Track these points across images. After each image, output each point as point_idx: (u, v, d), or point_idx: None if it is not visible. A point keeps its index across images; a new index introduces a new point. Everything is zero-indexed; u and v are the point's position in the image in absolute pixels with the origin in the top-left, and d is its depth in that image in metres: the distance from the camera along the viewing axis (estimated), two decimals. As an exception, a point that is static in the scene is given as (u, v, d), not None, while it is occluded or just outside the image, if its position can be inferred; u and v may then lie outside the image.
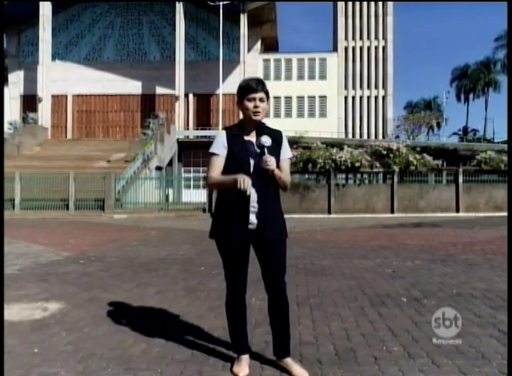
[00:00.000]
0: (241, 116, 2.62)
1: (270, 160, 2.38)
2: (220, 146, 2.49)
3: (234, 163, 2.47)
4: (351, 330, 3.33)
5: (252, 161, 2.47)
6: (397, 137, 39.28)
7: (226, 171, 2.48)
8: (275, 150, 2.50)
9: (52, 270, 5.98)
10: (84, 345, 3.04)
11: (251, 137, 2.53)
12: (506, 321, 3.48)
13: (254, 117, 2.48)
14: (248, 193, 2.39)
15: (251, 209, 2.47)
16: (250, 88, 2.46)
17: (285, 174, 2.54)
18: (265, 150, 2.41)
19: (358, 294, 4.45)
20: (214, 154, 2.51)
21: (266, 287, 2.62)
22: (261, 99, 2.47)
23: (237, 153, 2.48)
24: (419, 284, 4.86)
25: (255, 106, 2.46)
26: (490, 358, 2.78)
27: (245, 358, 2.64)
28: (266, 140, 2.42)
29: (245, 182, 2.30)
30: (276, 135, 2.56)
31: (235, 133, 2.53)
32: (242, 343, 2.68)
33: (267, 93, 2.51)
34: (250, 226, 2.48)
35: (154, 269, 5.98)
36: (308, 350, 2.94)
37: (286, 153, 2.60)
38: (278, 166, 2.49)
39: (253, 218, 2.48)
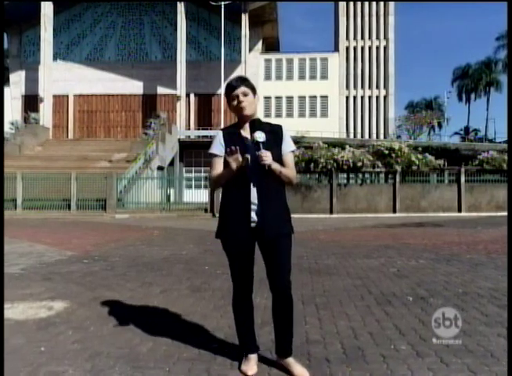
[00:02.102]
0: None
1: (265, 156, 2.34)
2: (218, 146, 2.50)
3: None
4: (359, 329, 3.32)
5: (249, 157, 2.41)
6: (398, 137, 39.29)
7: (225, 169, 2.48)
8: (276, 144, 2.47)
9: (56, 269, 5.97)
10: (90, 344, 3.03)
11: (247, 133, 2.49)
12: (513, 320, 3.47)
13: (241, 113, 2.46)
14: (244, 163, 2.36)
15: (252, 207, 2.43)
16: (230, 86, 2.46)
17: (289, 168, 2.50)
18: (260, 145, 2.36)
19: (363, 293, 4.44)
20: (212, 155, 2.52)
21: (270, 285, 2.57)
22: (243, 94, 2.44)
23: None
24: (424, 283, 4.85)
25: (238, 102, 2.44)
26: (499, 357, 2.77)
27: (253, 357, 2.62)
28: (260, 135, 2.37)
29: (236, 159, 2.34)
30: (276, 130, 2.53)
31: (231, 131, 2.54)
32: (250, 342, 2.65)
33: (251, 86, 2.48)
34: (252, 224, 2.44)
35: (158, 269, 5.97)
36: (316, 349, 2.93)
37: (289, 146, 2.55)
38: (280, 161, 2.46)
39: (254, 216, 2.44)
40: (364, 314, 3.71)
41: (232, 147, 2.34)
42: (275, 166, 2.40)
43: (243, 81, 2.48)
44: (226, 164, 2.45)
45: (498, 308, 3.84)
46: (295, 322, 3.42)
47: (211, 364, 2.67)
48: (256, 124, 2.45)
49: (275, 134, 2.49)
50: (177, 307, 3.99)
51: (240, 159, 2.35)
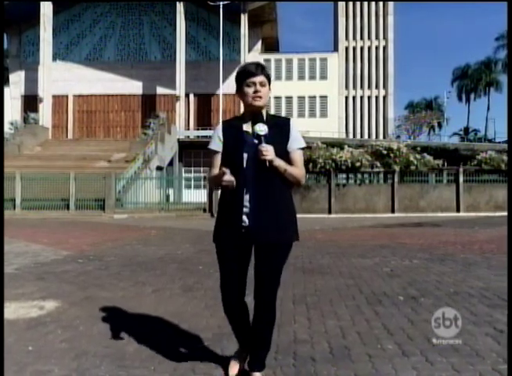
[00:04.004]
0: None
1: (266, 150, 2.12)
2: (216, 141, 2.32)
3: (227, 156, 2.28)
4: (347, 329, 3.33)
5: (246, 154, 2.23)
6: (398, 137, 39.29)
7: (223, 165, 2.28)
8: (281, 140, 2.25)
9: (50, 269, 5.98)
10: (78, 343, 3.04)
11: (250, 127, 2.27)
12: (502, 319, 3.47)
13: (254, 103, 2.23)
14: (233, 184, 2.18)
15: (244, 209, 2.24)
16: (249, 72, 2.23)
17: (297, 167, 2.27)
18: (262, 138, 2.15)
19: (355, 293, 4.45)
20: (211, 151, 2.34)
21: (255, 293, 2.38)
22: (261, 84, 2.23)
23: (229, 145, 2.28)
24: (416, 283, 4.86)
25: (255, 91, 2.22)
26: (484, 356, 2.77)
27: (240, 355, 2.56)
28: (260, 128, 2.17)
29: (224, 177, 2.14)
30: (282, 124, 2.31)
31: (232, 124, 2.33)
32: (244, 340, 2.51)
33: (268, 77, 2.27)
34: (243, 229, 2.26)
35: (152, 268, 5.99)
36: (303, 348, 2.93)
37: (297, 143, 2.30)
38: (286, 159, 2.24)
39: (245, 219, 2.24)
40: (353, 314, 3.72)
41: (224, 170, 2.16)
42: (279, 163, 2.18)
43: (262, 68, 2.25)
44: (225, 160, 2.29)
45: (487, 307, 3.85)
46: (284, 322, 3.47)
47: (197, 364, 2.68)
48: (259, 117, 2.24)
49: (280, 128, 2.27)
50: (168, 306, 4.00)
51: (231, 180, 2.16)
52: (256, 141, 2.19)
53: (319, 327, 3.39)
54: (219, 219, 2.36)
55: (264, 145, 2.14)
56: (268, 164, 2.15)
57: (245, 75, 2.24)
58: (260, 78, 2.23)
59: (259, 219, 2.23)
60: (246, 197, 2.24)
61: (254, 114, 2.26)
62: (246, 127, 2.29)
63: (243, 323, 2.48)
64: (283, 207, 2.29)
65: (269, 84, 2.30)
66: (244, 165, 2.23)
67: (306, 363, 2.67)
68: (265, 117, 2.28)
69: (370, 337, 3.14)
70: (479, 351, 2.85)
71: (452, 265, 5.96)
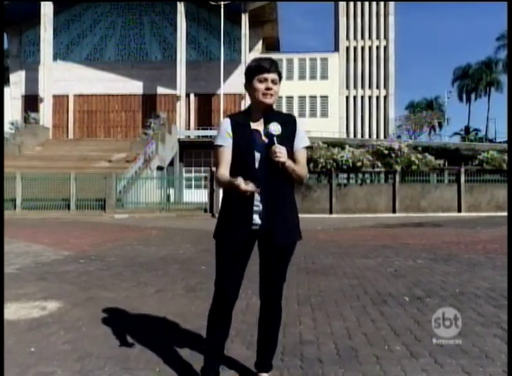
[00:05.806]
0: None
1: (280, 152, 2.09)
2: (224, 136, 2.23)
3: (238, 155, 2.21)
4: (353, 330, 3.29)
5: (258, 154, 2.19)
6: (398, 137, 39.24)
7: (232, 164, 2.23)
8: (288, 138, 2.21)
9: (51, 269, 5.94)
10: (81, 345, 3.00)
11: (259, 125, 2.23)
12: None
13: (264, 100, 2.19)
14: (255, 191, 2.09)
15: (254, 208, 2.19)
16: (262, 67, 2.19)
17: (301, 166, 2.24)
18: (274, 139, 2.11)
19: (359, 294, 4.40)
20: (218, 146, 2.24)
21: (261, 293, 2.39)
22: (273, 81, 2.20)
23: (240, 144, 2.20)
24: (421, 283, 4.82)
25: (267, 88, 2.18)
26: (494, 357, 2.74)
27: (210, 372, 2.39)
28: (274, 128, 2.13)
29: (242, 186, 2.04)
30: (288, 121, 2.26)
31: (240, 121, 2.26)
32: (214, 365, 2.41)
33: (280, 75, 2.25)
34: (253, 227, 2.21)
35: (154, 269, 5.94)
36: (309, 349, 2.89)
37: (302, 141, 2.29)
38: (292, 157, 2.20)
39: (256, 219, 2.20)
40: (359, 314, 3.68)
41: (238, 180, 2.05)
42: (289, 164, 2.15)
43: (276, 66, 2.22)
44: (234, 158, 2.22)
45: (494, 308, 3.80)
46: (289, 323, 3.43)
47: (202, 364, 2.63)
48: (271, 115, 2.22)
49: (287, 127, 2.21)
50: (171, 307, 3.97)
51: (254, 189, 2.06)
52: (266, 140, 2.16)
53: (325, 327, 3.35)
54: (225, 217, 2.28)
55: (278, 146, 2.11)
56: (280, 166, 2.12)
57: (258, 70, 2.20)
58: (273, 76, 2.20)
59: (273, 220, 2.20)
60: (256, 197, 2.18)
61: (265, 113, 2.23)
62: (255, 125, 2.24)
63: (224, 334, 2.41)
64: (291, 206, 2.28)
65: (280, 82, 2.26)
66: (256, 165, 2.19)
67: (313, 365, 2.63)
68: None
69: (377, 338, 3.10)
70: (488, 353, 2.81)
71: (457, 266, 5.92)
